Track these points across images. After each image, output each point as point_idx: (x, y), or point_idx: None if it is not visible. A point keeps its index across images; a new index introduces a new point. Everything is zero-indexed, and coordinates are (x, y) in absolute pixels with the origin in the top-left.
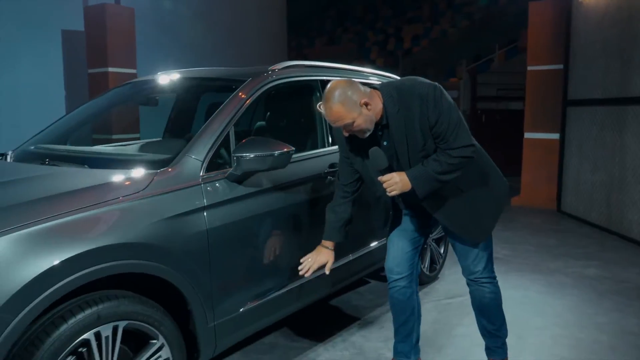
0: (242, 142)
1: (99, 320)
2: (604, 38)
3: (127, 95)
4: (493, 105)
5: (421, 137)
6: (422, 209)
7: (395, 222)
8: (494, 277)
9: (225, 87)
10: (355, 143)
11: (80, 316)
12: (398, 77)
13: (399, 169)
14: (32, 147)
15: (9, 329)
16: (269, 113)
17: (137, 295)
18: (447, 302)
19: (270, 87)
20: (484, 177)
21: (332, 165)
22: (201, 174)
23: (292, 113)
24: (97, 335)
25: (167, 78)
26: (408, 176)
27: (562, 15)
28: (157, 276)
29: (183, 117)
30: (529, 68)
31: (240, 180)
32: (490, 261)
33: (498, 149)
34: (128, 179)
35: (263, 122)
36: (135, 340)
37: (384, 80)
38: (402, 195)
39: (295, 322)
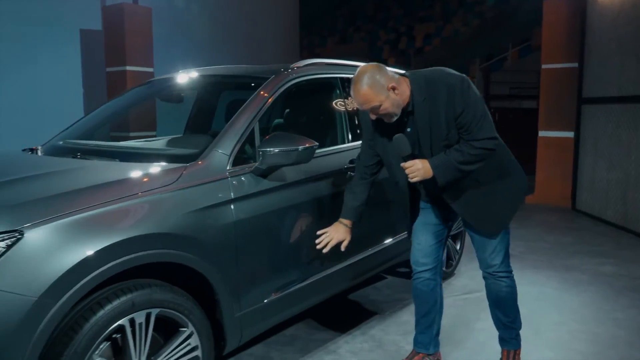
0: (267, 137)
1: (133, 307)
2: (620, 36)
3: (150, 93)
4: (506, 103)
5: (445, 126)
6: (441, 201)
7: (414, 216)
8: (511, 271)
9: (248, 84)
10: (380, 128)
11: (115, 303)
12: None
13: (420, 156)
14: (61, 142)
15: (50, 313)
16: (287, 110)
17: (168, 284)
18: (464, 298)
19: (292, 84)
20: (503, 171)
21: (351, 161)
22: (228, 168)
23: (311, 110)
24: (132, 322)
25: (188, 76)
26: (430, 164)
27: (576, 13)
28: (187, 266)
29: (204, 114)
30: (544, 66)
31: (265, 174)
32: (507, 255)
33: (511, 148)
34: (159, 172)
35: (281, 120)
36: (165, 329)
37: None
38: (423, 183)
39: (314, 315)
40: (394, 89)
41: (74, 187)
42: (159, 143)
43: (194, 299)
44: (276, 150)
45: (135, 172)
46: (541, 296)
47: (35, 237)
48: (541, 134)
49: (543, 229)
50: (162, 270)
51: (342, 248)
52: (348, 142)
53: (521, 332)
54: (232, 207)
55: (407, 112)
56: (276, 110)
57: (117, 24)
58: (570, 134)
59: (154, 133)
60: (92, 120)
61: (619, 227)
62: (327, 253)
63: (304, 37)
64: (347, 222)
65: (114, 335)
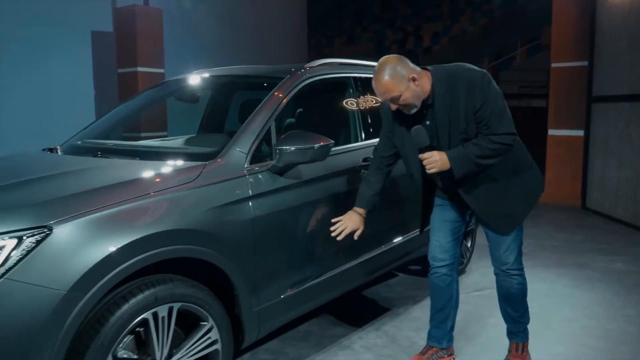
0: (283, 135)
1: (156, 302)
2: (630, 34)
3: (165, 94)
4: (515, 102)
5: (464, 120)
6: (458, 197)
7: (427, 211)
8: (522, 269)
9: (262, 84)
10: (400, 120)
11: (140, 297)
12: None
13: (438, 149)
14: (79, 142)
15: (78, 306)
16: (302, 109)
17: (189, 279)
18: (476, 295)
19: (307, 84)
20: (520, 169)
21: (365, 160)
22: (246, 165)
23: (325, 109)
24: (155, 316)
25: (202, 77)
26: (448, 156)
27: (586, 12)
28: (206, 262)
29: (217, 113)
30: (553, 65)
31: (281, 172)
32: (520, 253)
33: None
34: (180, 169)
35: (292, 119)
36: (185, 323)
37: None
38: (439, 176)
39: (328, 312)
40: (414, 80)
41: (98, 185)
42: (176, 142)
43: (213, 294)
44: (293, 148)
45: (157, 170)
46: (552, 293)
47: (64, 232)
48: (551, 132)
49: (553, 227)
50: (182, 265)
51: (355, 237)
52: (361, 141)
53: (533, 327)
54: (250, 204)
55: (427, 105)
56: (291, 110)
57: (128, 26)
58: (580, 133)
59: (165, 134)
60: (109, 121)
61: (629, 225)
62: (342, 249)
63: (311, 37)
64: (361, 211)
65: (137, 329)
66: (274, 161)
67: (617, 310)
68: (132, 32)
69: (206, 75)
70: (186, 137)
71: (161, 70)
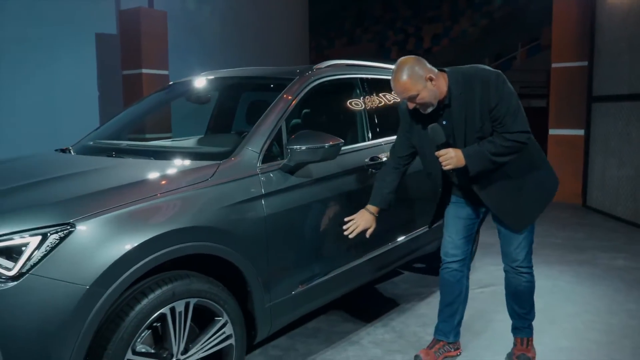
0: (294, 135)
1: (173, 297)
2: (629, 34)
3: (175, 96)
4: None
5: (479, 119)
6: (472, 195)
7: (442, 208)
8: (532, 267)
9: (272, 85)
10: (418, 119)
11: (158, 292)
12: None
13: (454, 147)
14: (91, 143)
15: (100, 301)
16: (311, 110)
17: (205, 275)
18: (480, 291)
19: (316, 85)
20: (534, 168)
21: (372, 159)
22: (258, 165)
23: (333, 109)
24: (172, 311)
25: (210, 78)
26: (463, 153)
27: (586, 13)
28: (221, 258)
29: (225, 114)
30: (554, 65)
31: (292, 171)
32: (530, 251)
33: None
34: (195, 168)
35: (298, 120)
36: (199, 319)
37: None
38: (455, 172)
39: (335, 309)
40: (431, 79)
41: (117, 184)
42: (187, 142)
43: (228, 290)
44: (304, 147)
45: (173, 169)
46: (555, 289)
47: (86, 229)
48: (551, 132)
49: (555, 225)
50: (196, 262)
51: (367, 235)
52: (368, 140)
53: (537, 322)
54: (263, 202)
55: (444, 105)
56: (297, 111)
57: (133, 28)
58: (580, 132)
59: (169, 135)
60: (120, 123)
61: (629, 223)
62: (351, 247)
63: (312, 38)
64: (373, 209)
65: (154, 324)
66: (285, 160)
67: (619, 305)
68: (136, 34)
69: (215, 76)
70: (197, 137)
71: (165, 72)
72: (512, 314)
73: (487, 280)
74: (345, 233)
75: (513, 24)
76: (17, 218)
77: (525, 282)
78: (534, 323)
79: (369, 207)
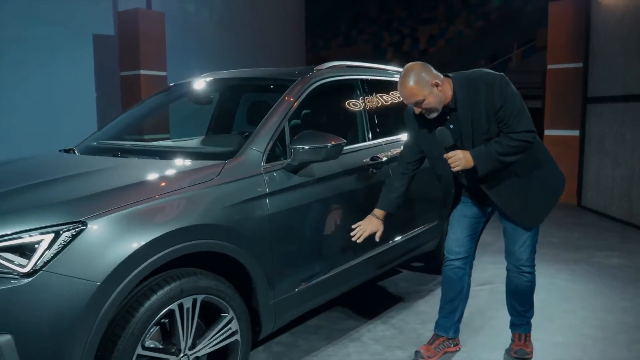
0: (297, 136)
1: (182, 293)
2: (624, 37)
3: (175, 97)
4: None
5: (485, 121)
6: (479, 195)
7: (454, 207)
8: (534, 267)
9: (274, 87)
10: (425, 125)
11: (166, 289)
12: None
13: (462, 149)
14: (95, 143)
15: (112, 297)
16: (305, 111)
17: (211, 272)
18: (478, 289)
19: (317, 86)
20: (540, 167)
21: (373, 158)
22: (262, 164)
23: (334, 110)
24: (180, 307)
25: (212, 79)
26: (471, 154)
27: (581, 15)
28: (226, 256)
29: (226, 115)
30: (549, 66)
31: (295, 170)
32: (533, 251)
33: None
34: (202, 168)
35: (298, 120)
36: (205, 315)
37: None
38: (464, 173)
39: (336, 307)
40: (437, 85)
41: (126, 183)
42: (190, 143)
43: (234, 287)
44: (307, 147)
45: (179, 169)
46: (552, 287)
47: (97, 227)
48: (547, 132)
49: (550, 225)
50: (200, 259)
51: (377, 238)
52: (368, 141)
53: (534, 319)
54: (267, 201)
55: (450, 109)
56: (297, 111)
57: (131, 29)
58: (575, 133)
59: (167, 136)
60: (121, 124)
61: (624, 223)
62: (352, 245)
63: (308, 39)
64: (380, 213)
65: (162, 321)
66: (288, 160)
67: (614, 302)
68: (134, 35)
69: (216, 78)
70: (200, 138)
71: (163, 73)
72: (512, 311)
73: (485, 278)
74: (353, 239)
75: (508, 25)
76: (29, 216)
77: (526, 282)
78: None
79: (376, 211)
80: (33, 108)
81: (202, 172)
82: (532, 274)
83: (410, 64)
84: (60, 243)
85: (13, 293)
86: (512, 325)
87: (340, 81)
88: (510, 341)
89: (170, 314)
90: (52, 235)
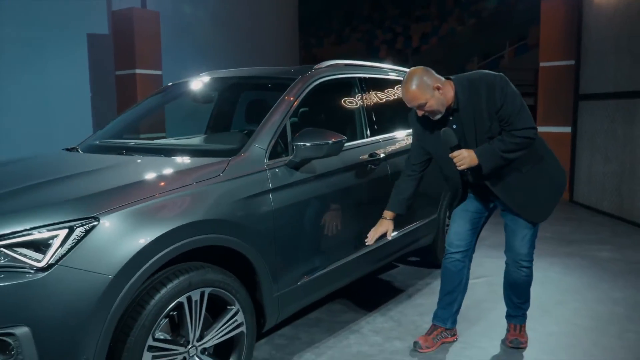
0: (299, 132)
1: (190, 286)
2: (615, 35)
3: (175, 96)
4: None
5: (487, 120)
6: (485, 190)
7: (460, 203)
8: (532, 261)
9: (273, 85)
10: (429, 127)
11: (175, 282)
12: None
13: (466, 148)
14: (97, 142)
15: (124, 290)
16: (306, 109)
17: (217, 266)
18: (474, 282)
19: (317, 84)
20: (542, 163)
21: (371, 155)
22: (265, 161)
23: (333, 108)
24: (189, 299)
25: (212, 78)
26: (475, 152)
27: (573, 13)
28: (232, 250)
29: (225, 113)
30: (542, 64)
31: (297, 167)
32: (532, 246)
33: None
34: (207, 164)
35: (295, 118)
36: (211, 308)
37: (402, 74)
38: (470, 171)
39: (335, 301)
40: (438, 89)
41: (134, 180)
42: (192, 141)
43: (239, 280)
44: (308, 144)
45: (185, 166)
46: (545, 280)
47: (109, 223)
48: (539, 129)
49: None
50: (207, 253)
51: (388, 237)
52: (367, 138)
53: (529, 310)
54: (270, 196)
55: (452, 110)
56: (302, 109)
57: (126, 28)
58: (567, 129)
59: (163, 135)
60: (122, 123)
61: (614, 217)
62: (352, 239)
63: (301, 37)
64: (389, 215)
65: (170, 313)
66: (290, 156)
67: (605, 293)
68: (129, 35)
69: (215, 77)
70: (202, 136)
71: (159, 72)
72: (509, 303)
73: (481, 271)
74: (367, 244)
75: (500, 23)
76: (44, 213)
77: (524, 276)
78: None
79: (385, 212)
80: (28, 108)
81: (207, 169)
82: (530, 268)
83: (412, 68)
84: (74, 238)
85: (29, 287)
86: (508, 316)
87: (339, 79)
88: (505, 331)
89: (179, 307)
90: (66, 231)
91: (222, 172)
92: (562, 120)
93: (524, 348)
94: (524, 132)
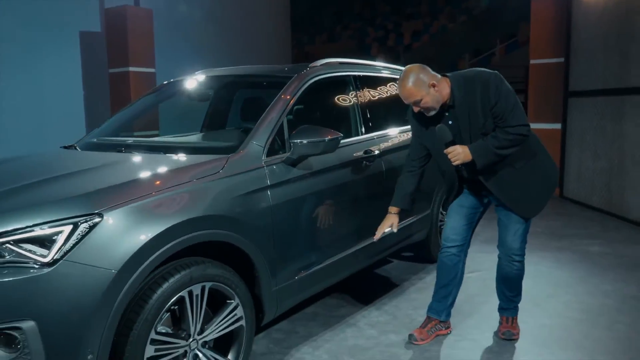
0: (296, 130)
1: (191, 281)
2: (603, 33)
3: (172, 94)
4: None
5: (482, 116)
6: (478, 188)
7: (456, 198)
8: (524, 256)
9: (270, 83)
10: (426, 123)
11: (177, 277)
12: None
13: (461, 144)
14: (95, 140)
15: (127, 284)
16: (302, 106)
17: (217, 261)
18: (467, 277)
19: (313, 82)
20: (535, 159)
21: (366, 152)
22: (263, 158)
23: (328, 105)
24: (190, 294)
25: (207, 77)
26: (469, 148)
27: (562, 12)
28: (232, 245)
29: (221, 112)
30: (532, 62)
31: (294, 163)
32: (524, 241)
33: None
34: (207, 161)
35: (291, 116)
36: (211, 303)
37: (395, 72)
38: (464, 166)
39: (331, 295)
40: (434, 86)
41: (136, 177)
42: (190, 138)
43: (239, 275)
44: (305, 141)
45: (186, 163)
46: (537, 273)
47: (112, 219)
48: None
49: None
50: (207, 249)
51: (394, 230)
52: (362, 135)
53: (521, 303)
54: (268, 193)
55: (448, 106)
56: (298, 106)
57: (119, 26)
58: (557, 126)
59: (157, 132)
60: (118, 121)
61: (604, 212)
62: (348, 235)
63: (292, 35)
64: (393, 209)
65: (171, 308)
66: (288, 153)
67: (595, 286)
68: (123, 32)
69: (211, 75)
70: (197, 133)
71: (152, 70)
72: (501, 296)
73: (474, 266)
74: (375, 239)
75: (491, 21)
76: (48, 209)
77: (516, 270)
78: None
79: (391, 208)
80: (21, 105)
81: (207, 166)
82: (522, 262)
83: (409, 66)
84: (79, 234)
85: (35, 282)
86: (501, 309)
87: (334, 78)
88: (498, 324)
89: (181, 301)
90: (70, 227)
91: (222, 169)
92: (552, 117)
93: (516, 340)
94: (517, 129)
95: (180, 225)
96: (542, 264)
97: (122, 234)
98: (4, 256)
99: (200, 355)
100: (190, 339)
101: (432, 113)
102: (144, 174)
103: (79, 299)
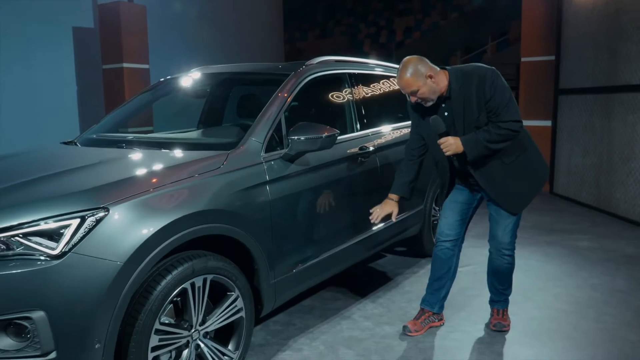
0: (294, 127)
1: (193, 273)
2: (593, 31)
3: (169, 91)
4: None
5: (476, 110)
6: (471, 180)
7: (449, 191)
8: (514, 250)
9: (267, 81)
10: (423, 113)
11: (180, 269)
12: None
13: (455, 135)
14: (94, 136)
15: (133, 276)
16: (299, 103)
17: (217, 254)
18: (459, 270)
19: (309, 80)
20: (525, 155)
21: (361, 148)
22: (262, 154)
23: (324, 102)
24: (192, 285)
25: (204, 74)
26: (461, 140)
27: (553, 10)
28: (232, 239)
29: (217, 108)
30: (523, 59)
31: (292, 159)
32: (514, 236)
33: None
34: (208, 157)
35: (287, 113)
36: (212, 295)
37: (390, 69)
38: (456, 157)
39: (327, 289)
40: (431, 77)
41: (139, 172)
42: (190, 134)
43: (239, 268)
44: (302, 138)
45: (187, 158)
46: (527, 267)
47: (118, 213)
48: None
49: (525, 210)
50: (208, 242)
51: (393, 218)
52: (357, 131)
53: (512, 296)
54: (267, 188)
55: (445, 98)
56: (295, 103)
57: (112, 22)
58: (548, 123)
59: (151, 128)
60: (116, 117)
61: (593, 208)
62: (345, 229)
63: (285, 31)
64: (393, 197)
65: (174, 299)
66: (286, 150)
67: (584, 280)
68: (116, 28)
69: (208, 72)
70: (196, 130)
71: (146, 66)
72: (492, 289)
73: (465, 260)
74: (371, 221)
75: (483, 18)
76: (56, 203)
77: (506, 264)
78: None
79: (390, 195)
80: (14, 102)
81: (208, 161)
82: (512, 256)
83: (407, 57)
84: (86, 227)
85: (45, 273)
86: (492, 302)
87: (330, 75)
88: (489, 316)
89: (183, 292)
90: (78, 221)
91: (222, 165)
92: (542, 114)
93: (507, 331)
94: (509, 124)
95: (183, 219)
96: (532, 257)
97: (127, 227)
98: (13, 249)
99: (201, 345)
100: (193, 330)
101: (430, 104)
102: (147, 170)
103: (87, 290)
